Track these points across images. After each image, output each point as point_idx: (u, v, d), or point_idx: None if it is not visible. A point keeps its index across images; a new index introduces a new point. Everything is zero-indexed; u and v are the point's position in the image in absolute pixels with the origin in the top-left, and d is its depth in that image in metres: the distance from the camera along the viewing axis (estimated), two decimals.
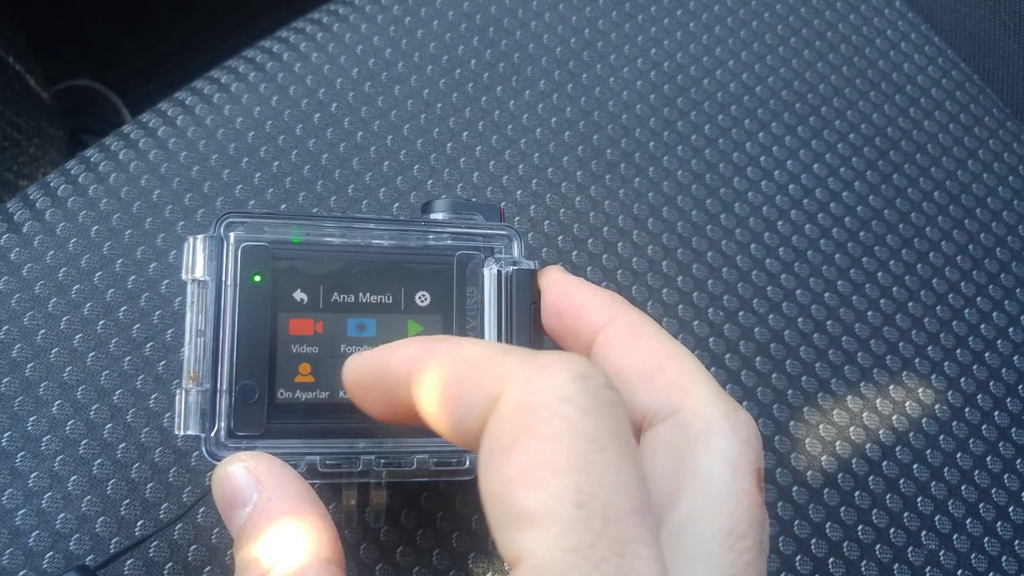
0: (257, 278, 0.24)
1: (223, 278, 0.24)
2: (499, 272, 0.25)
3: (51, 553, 0.26)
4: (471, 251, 0.25)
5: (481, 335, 0.25)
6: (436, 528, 0.28)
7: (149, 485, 0.27)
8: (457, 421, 0.18)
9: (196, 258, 0.23)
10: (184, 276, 0.23)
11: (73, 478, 0.27)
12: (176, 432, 0.23)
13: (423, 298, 0.25)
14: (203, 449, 0.23)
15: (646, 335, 0.22)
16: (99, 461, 0.27)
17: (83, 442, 0.28)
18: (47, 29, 0.61)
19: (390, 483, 0.25)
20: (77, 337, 0.29)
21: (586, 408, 0.16)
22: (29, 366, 0.28)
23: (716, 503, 0.18)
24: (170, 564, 0.27)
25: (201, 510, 0.27)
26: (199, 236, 0.23)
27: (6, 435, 0.27)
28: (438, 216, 0.26)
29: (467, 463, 0.25)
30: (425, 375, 0.19)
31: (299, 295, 0.24)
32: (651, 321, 0.23)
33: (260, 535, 0.20)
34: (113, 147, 0.32)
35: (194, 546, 0.27)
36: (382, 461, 0.24)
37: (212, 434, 0.23)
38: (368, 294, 0.25)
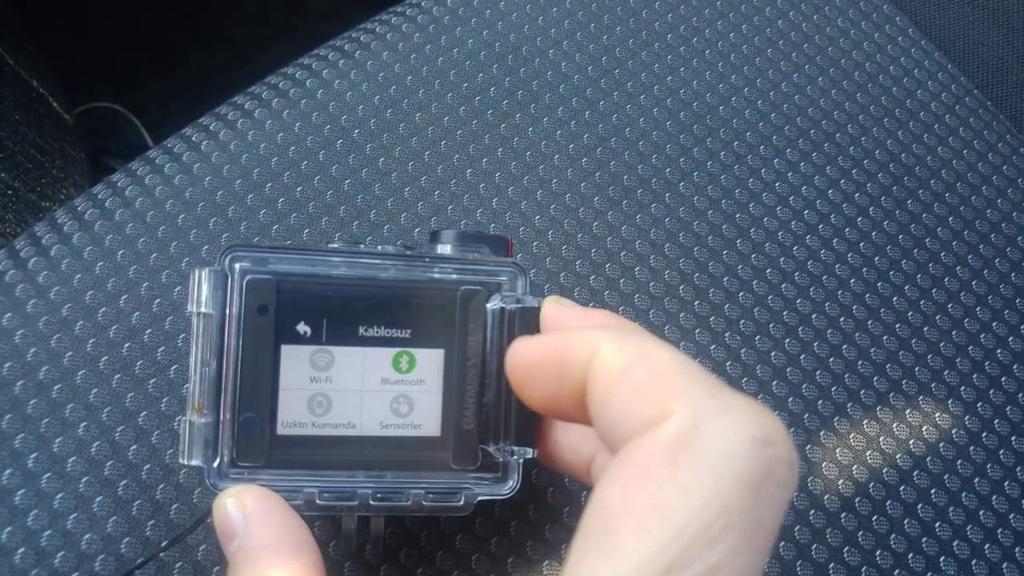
0: (261, 311, 0.24)
1: (227, 310, 0.23)
2: (502, 309, 0.25)
3: (76, 574, 0.26)
4: (474, 286, 0.25)
5: (482, 372, 0.25)
6: (440, 529, 0.29)
7: (174, 506, 0.28)
8: (614, 421, 0.17)
9: (200, 291, 0.23)
10: (189, 308, 0.23)
11: (99, 499, 0.27)
12: (180, 461, 0.23)
13: (426, 332, 0.25)
14: (206, 480, 0.23)
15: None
16: (124, 482, 0.28)
17: (108, 463, 0.28)
18: (69, 53, 0.62)
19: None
20: (103, 359, 0.29)
21: (745, 478, 0.14)
22: (56, 388, 0.29)
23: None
24: (180, 564, 0.27)
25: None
26: (204, 269, 0.23)
27: (32, 456, 0.28)
28: (445, 247, 0.26)
29: (462, 500, 0.25)
30: (607, 362, 0.18)
31: (302, 328, 0.24)
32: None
33: (239, 570, 0.21)
34: (139, 172, 0.33)
35: (204, 546, 0.27)
36: (379, 495, 0.24)
37: (215, 465, 0.23)
38: (371, 327, 0.25)
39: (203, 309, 0.23)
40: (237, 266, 0.24)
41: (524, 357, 0.21)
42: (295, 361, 0.24)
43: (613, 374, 0.18)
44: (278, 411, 0.24)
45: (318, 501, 0.24)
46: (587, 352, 0.18)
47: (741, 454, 0.14)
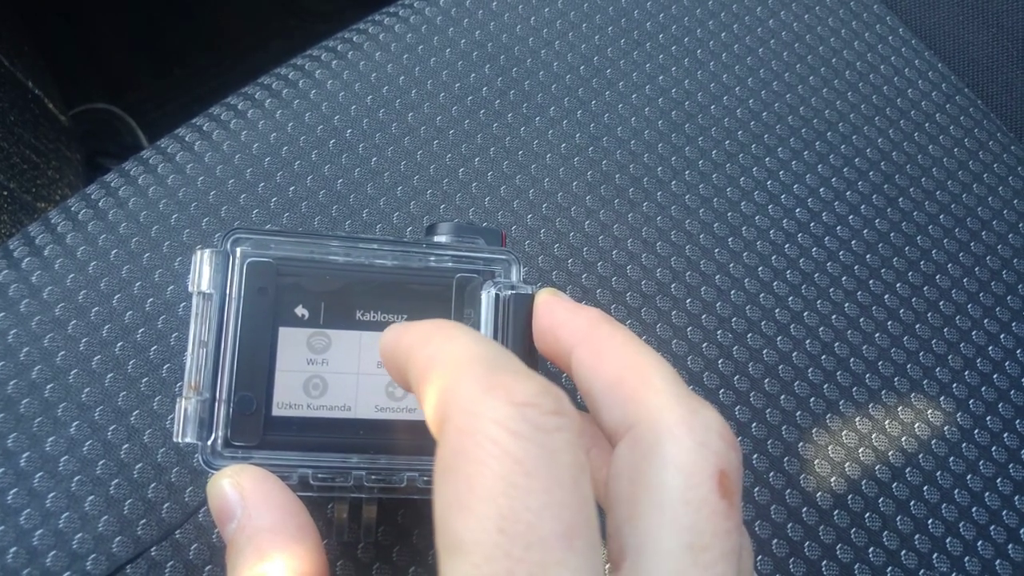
0: (260, 293, 0.24)
1: (228, 291, 0.24)
2: (497, 295, 0.25)
3: (68, 573, 0.26)
4: (470, 274, 0.26)
5: None
6: (432, 528, 0.29)
7: (166, 505, 0.28)
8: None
9: (202, 271, 0.24)
10: (190, 288, 0.24)
11: (90, 498, 0.27)
12: (174, 439, 0.23)
13: (422, 318, 0.25)
14: (199, 458, 0.23)
15: (610, 349, 0.21)
16: (116, 481, 0.28)
17: (100, 462, 0.28)
18: (65, 54, 0.62)
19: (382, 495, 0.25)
20: (96, 359, 0.29)
21: (518, 432, 0.16)
22: (48, 387, 0.29)
23: (671, 516, 0.17)
24: (172, 563, 0.27)
25: (202, 509, 0.27)
26: (206, 250, 0.24)
27: (25, 455, 0.28)
28: (441, 238, 0.27)
29: None
30: (411, 367, 0.19)
31: (300, 311, 0.25)
32: (622, 334, 0.22)
33: (240, 552, 0.21)
34: (132, 172, 0.33)
35: (195, 545, 0.27)
36: (373, 477, 0.24)
37: (208, 443, 0.23)
38: (368, 312, 0.25)
39: (204, 289, 0.24)
40: (239, 249, 0.24)
41: (380, 347, 0.22)
42: (292, 343, 0.24)
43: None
44: (274, 392, 0.24)
45: (311, 482, 0.24)
46: (406, 356, 0.19)
47: (506, 416, 0.16)
